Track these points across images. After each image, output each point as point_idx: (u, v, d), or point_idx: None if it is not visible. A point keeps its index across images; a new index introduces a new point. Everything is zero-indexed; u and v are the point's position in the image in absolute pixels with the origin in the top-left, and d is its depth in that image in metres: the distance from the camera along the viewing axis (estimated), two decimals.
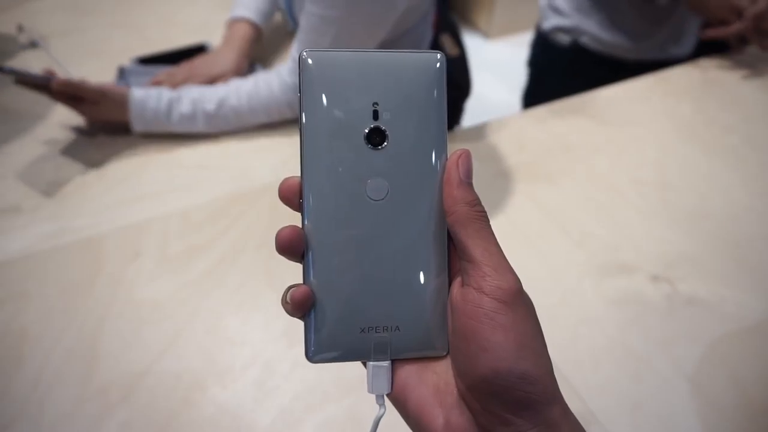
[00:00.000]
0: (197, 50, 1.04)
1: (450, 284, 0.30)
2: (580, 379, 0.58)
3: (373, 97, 0.29)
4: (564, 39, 1.18)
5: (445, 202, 0.29)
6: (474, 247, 0.27)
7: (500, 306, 0.26)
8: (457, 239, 0.28)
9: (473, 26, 2.81)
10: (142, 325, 0.62)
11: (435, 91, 0.30)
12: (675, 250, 0.71)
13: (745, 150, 0.87)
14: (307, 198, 0.29)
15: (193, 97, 0.86)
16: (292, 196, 0.29)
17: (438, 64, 0.30)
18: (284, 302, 0.29)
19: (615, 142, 0.88)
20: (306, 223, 0.29)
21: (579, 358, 0.60)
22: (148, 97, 0.84)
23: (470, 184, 0.29)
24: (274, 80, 0.87)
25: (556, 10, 1.18)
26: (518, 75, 2.57)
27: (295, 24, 0.96)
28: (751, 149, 0.87)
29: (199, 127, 0.87)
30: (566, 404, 0.27)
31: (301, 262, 0.29)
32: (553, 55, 1.23)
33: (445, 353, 0.30)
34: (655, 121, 0.93)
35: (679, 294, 0.66)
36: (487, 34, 2.73)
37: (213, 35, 1.08)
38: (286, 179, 0.29)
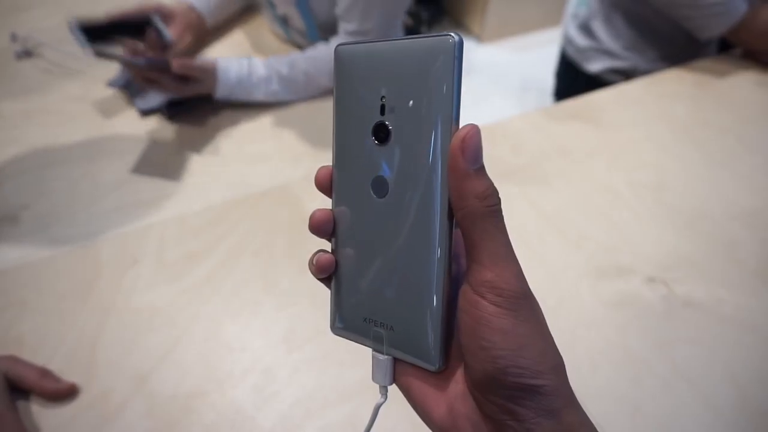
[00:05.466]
0: (144, 23, 0.96)
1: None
2: (578, 382, 0.58)
3: (380, 91, 0.28)
4: (618, 79, 1.21)
5: (452, 196, 0.26)
6: (481, 249, 0.26)
7: (498, 311, 0.25)
8: (465, 236, 0.26)
9: (466, 30, 2.82)
10: (141, 332, 0.62)
11: (445, 77, 0.26)
12: (672, 252, 0.72)
13: (741, 151, 0.88)
14: (333, 189, 0.31)
15: (266, 62, 0.94)
16: (326, 184, 0.31)
17: (450, 47, 0.26)
18: (310, 264, 0.31)
19: (611, 144, 0.89)
20: (332, 209, 0.31)
21: (577, 360, 0.60)
22: (230, 64, 0.92)
23: (479, 171, 0.25)
24: (333, 44, 0.95)
25: (607, 53, 1.21)
26: (511, 78, 2.60)
27: (308, 21, 0.98)
28: (747, 150, 0.88)
29: (274, 88, 0.94)
30: (575, 398, 0.27)
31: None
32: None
33: (435, 368, 0.28)
34: (651, 123, 0.93)
35: (677, 296, 0.67)
36: (479, 38, 2.74)
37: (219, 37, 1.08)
38: (321, 167, 0.31)
